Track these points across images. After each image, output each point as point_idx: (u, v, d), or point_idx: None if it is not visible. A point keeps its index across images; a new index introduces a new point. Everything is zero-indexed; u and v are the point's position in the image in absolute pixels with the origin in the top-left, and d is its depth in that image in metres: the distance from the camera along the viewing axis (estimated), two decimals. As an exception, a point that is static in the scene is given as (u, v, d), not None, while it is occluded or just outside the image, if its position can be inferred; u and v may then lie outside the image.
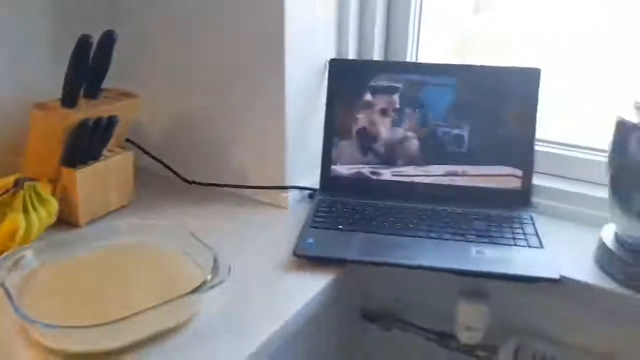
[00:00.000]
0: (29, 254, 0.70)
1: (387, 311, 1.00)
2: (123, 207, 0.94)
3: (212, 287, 0.65)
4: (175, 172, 1.02)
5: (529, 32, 1.03)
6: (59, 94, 0.84)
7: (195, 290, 0.64)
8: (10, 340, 0.63)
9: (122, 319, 0.58)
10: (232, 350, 0.63)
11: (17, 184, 0.77)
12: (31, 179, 0.79)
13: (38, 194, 0.79)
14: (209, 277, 0.66)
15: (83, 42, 0.79)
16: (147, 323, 0.61)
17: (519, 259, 0.81)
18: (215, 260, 0.68)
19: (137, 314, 0.59)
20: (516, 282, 0.78)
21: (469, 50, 1.13)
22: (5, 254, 0.69)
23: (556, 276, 0.77)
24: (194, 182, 1.01)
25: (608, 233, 0.84)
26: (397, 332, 0.99)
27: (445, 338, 0.90)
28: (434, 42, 1.08)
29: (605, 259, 0.81)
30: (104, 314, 0.59)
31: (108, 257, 0.75)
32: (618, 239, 0.82)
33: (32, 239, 0.78)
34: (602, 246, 0.82)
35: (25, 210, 0.77)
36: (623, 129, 0.75)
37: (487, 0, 1.11)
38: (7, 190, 0.76)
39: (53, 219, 0.82)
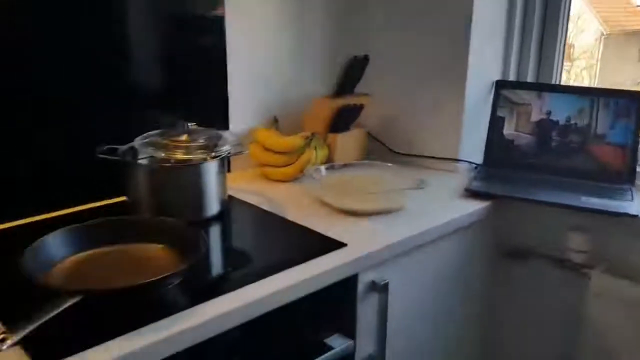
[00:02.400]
0: (322, 169, 1.33)
1: (522, 248, 1.47)
2: (356, 160, 1.54)
3: (415, 189, 1.22)
4: (386, 146, 1.60)
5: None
6: (324, 92, 1.48)
7: (404, 189, 1.21)
8: (316, 205, 1.25)
9: (369, 193, 1.18)
10: (419, 225, 1.17)
11: (311, 135, 1.41)
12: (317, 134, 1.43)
13: (320, 143, 1.42)
14: (412, 186, 1.22)
15: (352, 60, 1.42)
16: (377, 202, 1.20)
17: (612, 205, 1.25)
18: (421, 180, 1.24)
19: (374, 192, 1.19)
20: (607, 216, 1.23)
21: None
22: (308, 167, 1.33)
23: (635, 213, 1.20)
24: (398, 153, 1.59)
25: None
26: (528, 262, 1.45)
27: (562, 261, 1.35)
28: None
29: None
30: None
31: (361, 178, 1.35)
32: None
33: (317, 165, 1.40)
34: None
35: (314, 149, 1.40)
36: None
37: None
38: (307, 138, 1.40)
39: (325, 159, 1.44)
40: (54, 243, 0.89)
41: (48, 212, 1.16)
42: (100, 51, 1.21)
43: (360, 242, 1.06)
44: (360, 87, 1.57)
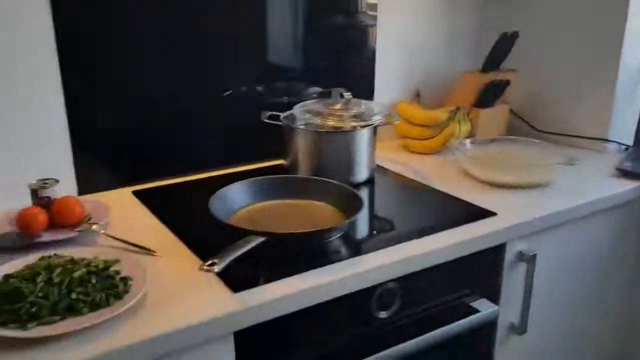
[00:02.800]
0: (467, 142, 1.36)
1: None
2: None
3: (565, 165, 1.21)
4: (529, 124, 1.59)
5: None
6: (469, 68, 1.50)
7: (549, 165, 1.21)
8: (462, 177, 1.28)
9: (516, 167, 1.19)
10: (569, 200, 1.16)
11: (456, 109, 1.44)
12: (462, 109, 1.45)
13: (463, 118, 1.44)
14: (560, 162, 1.22)
15: (503, 36, 1.42)
16: (525, 176, 1.21)
17: None
18: (571, 156, 1.23)
19: (521, 166, 1.19)
20: None
21: None
22: (453, 141, 1.36)
23: None
24: (541, 131, 1.57)
25: None
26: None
27: None
28: None
29: None
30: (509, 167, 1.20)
31: (507, 152, 1.36)
32: None
33: (460, 139, 1.42)
34: None
35: (457, 123, 1.43)
36: None
37: None
38: (451, 112, 1.43)
39: (468, 133, 1.46)
40: (237, 192, 1.01)
41: (214, 170, 1.31)
42: (260, 35, 1.33)
43: (509, 213, 1.09)
44: (504, 63, 1.57)
